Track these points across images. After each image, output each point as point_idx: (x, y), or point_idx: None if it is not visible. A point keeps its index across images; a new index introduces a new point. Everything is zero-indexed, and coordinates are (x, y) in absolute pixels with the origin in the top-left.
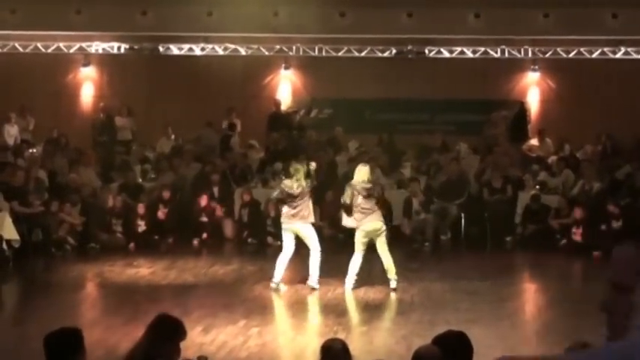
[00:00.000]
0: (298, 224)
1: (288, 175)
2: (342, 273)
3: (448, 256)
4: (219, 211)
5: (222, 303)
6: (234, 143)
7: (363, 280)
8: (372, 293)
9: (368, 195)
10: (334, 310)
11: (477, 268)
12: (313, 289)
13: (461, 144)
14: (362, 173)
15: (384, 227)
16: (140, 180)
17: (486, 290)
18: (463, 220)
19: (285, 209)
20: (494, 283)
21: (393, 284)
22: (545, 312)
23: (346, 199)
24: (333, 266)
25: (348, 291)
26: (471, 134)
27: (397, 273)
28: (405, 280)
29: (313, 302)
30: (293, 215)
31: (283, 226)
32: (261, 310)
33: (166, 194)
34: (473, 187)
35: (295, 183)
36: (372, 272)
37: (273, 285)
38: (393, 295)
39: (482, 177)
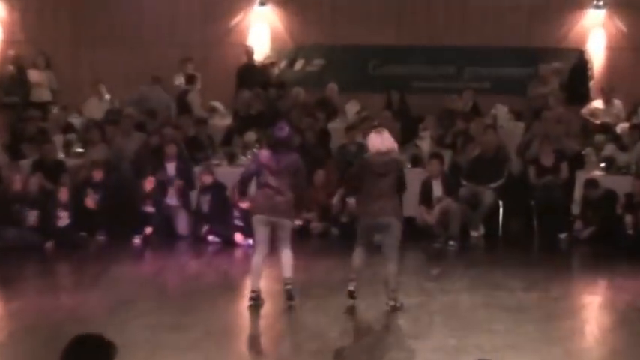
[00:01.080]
0: (278, 219)
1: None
2: (336, 281)
3: (480, 258)
4: (172, 198)
5: (172, 322)
6: (192, 102)
7: (365, 289)
8: (376, 309)
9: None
10: (325, 332)
11: (519, 275)
12: (290, 300)
13: (498, 107)
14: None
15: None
16: (62, 155)
17: (532, 305)
18: (501, 211)
19: (257, 194)
20: (543, 296)
21: (389, 304)
22: (611, 334)
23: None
24: (324, 272)
25: (344, 305)
26: (511, 93)
27: (408, 285)
28: (422, 292)
29: (296, 321)
30: (271, 204)
31: (255, 218)
32: (224, 331)
33: (98, 175)
34: (514, 165)
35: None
36: (375, 280)
37: (252, 296)
38: (405, 312)
39: (527, 152)
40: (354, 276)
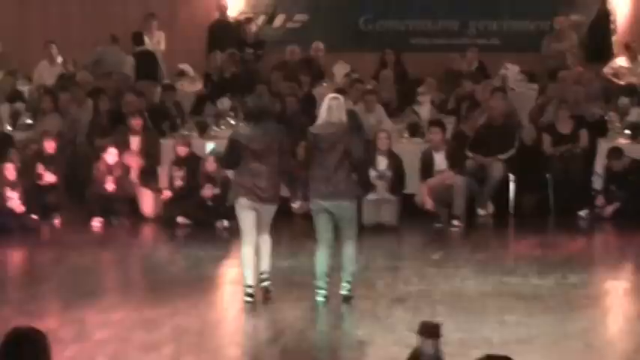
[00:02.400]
0: (263, 204)
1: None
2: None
3: (489, 240)
4: (136, 174)
5: (138, 318)
6: (161, 64)
7: (356, 277)
8: (369, 299)
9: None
10: (309, 327)
11: (533, 258)
12: (267, 298)
13: (508, 66)
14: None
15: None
16: (8, 127)
17: (548, 293)
18: (512, 185)
19: (237, 177)
20: (561, 282)
21: (343, 289)
22: (638, 325)
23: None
24: (308, 258)
25: (331, 294)
26: (523, 51)
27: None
28: (422, 279)
29: (277, 314)
30: (256, 188)
31: (239, 203)
32: (198, 328)
33: (50, 146)
34: (527, 133)
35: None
36: (368, 267)
37: (248, 292)
38: (403, 303)
39: (541, 118)
40: (322, 284)
